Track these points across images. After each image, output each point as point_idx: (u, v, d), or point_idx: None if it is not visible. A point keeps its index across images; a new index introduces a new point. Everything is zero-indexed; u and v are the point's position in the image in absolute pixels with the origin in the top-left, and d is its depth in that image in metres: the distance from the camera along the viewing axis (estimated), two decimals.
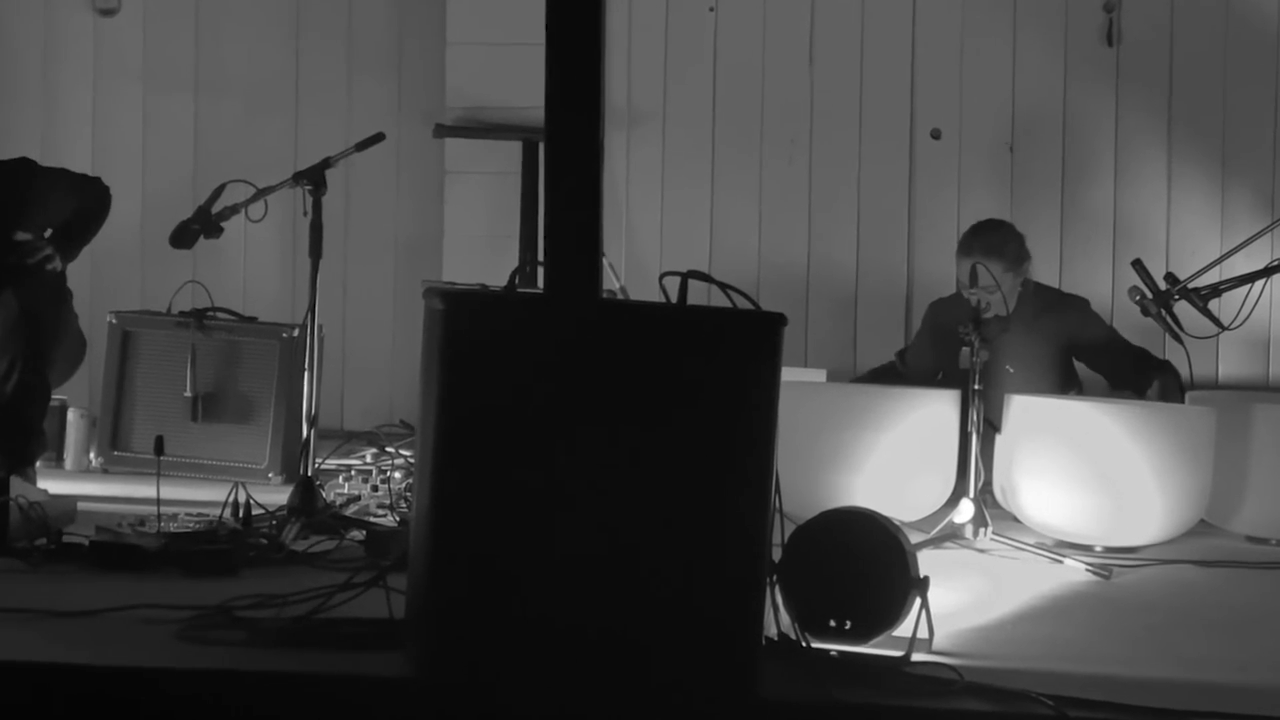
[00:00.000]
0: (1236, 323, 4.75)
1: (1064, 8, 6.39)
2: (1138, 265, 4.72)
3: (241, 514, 3.92)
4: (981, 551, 4.29)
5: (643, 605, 2.58)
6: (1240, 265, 4.96)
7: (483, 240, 6.39)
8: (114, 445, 5.25)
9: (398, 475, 4.61)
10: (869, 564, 3.05)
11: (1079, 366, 5.43)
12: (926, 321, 5.59)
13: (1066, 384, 5.39)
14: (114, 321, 5.31)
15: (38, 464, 4.73)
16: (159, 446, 4.10)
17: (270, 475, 5.13)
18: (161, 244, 4.83)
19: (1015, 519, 4.54)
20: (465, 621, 2.57)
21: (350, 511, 4.26)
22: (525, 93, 5.21)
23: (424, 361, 2.70)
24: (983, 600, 3.69)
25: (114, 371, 5.28)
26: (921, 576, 3.05)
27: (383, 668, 2.72)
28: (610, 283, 5.60)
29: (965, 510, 4.30)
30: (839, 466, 4.54)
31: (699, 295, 2.76)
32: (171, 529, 3.77)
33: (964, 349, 4.34)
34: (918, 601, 3.03)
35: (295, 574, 3.50)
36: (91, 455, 5.28)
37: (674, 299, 2.74)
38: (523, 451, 2.57)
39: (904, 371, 5.53)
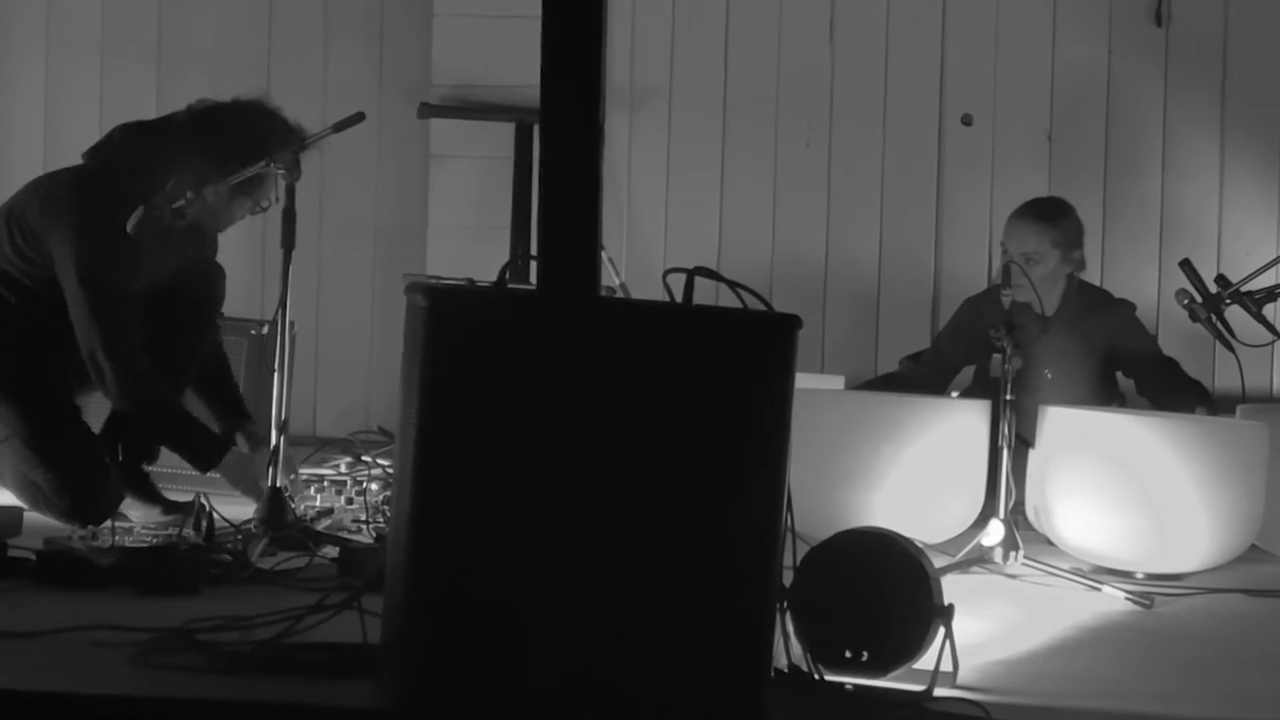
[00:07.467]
0: None
1: None
2: (1186, 266, 4.73)
3: (204, 527, 3.93)
4: (1012, 577, 4.30)
5: (639, 634, 2.59)
6: None
7: (470, 230, 6.39)
8: None
9: (375, 487, 4.61)
10: (888, 590, 3.06)
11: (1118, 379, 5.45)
12: (963, 320, 5.54)
13: (1108, 395, 5.40)
14: None
15: None
16: (115, 453, 4.11)
17: None
18: None
19: (1049, 542, 4.55)
20: (446, 648, 2.57)
21: (322, 526, 4.27)
22: (518, 69, 5.23)
23: (405, 363, 2.70)
24: (1012, 631, 3.70)
25: None
26: (946, 604, 3.06)
27: (356, 698, 2.72)
28: (609, 279, 5.62)
29: (994, 532, 4.31)
30: (857, 483, 4.55)
31: (706, 294, 2.77)
32: (127, 543, 3.78)
33: (995, 356, 4.35)
34: (941, 631, 3.03)
35: (262, 594, 3.51)
36: None
37: (678, 298, 2.74)
38: (511, 463, 2.57)
39: (920, 373, 5.50)
